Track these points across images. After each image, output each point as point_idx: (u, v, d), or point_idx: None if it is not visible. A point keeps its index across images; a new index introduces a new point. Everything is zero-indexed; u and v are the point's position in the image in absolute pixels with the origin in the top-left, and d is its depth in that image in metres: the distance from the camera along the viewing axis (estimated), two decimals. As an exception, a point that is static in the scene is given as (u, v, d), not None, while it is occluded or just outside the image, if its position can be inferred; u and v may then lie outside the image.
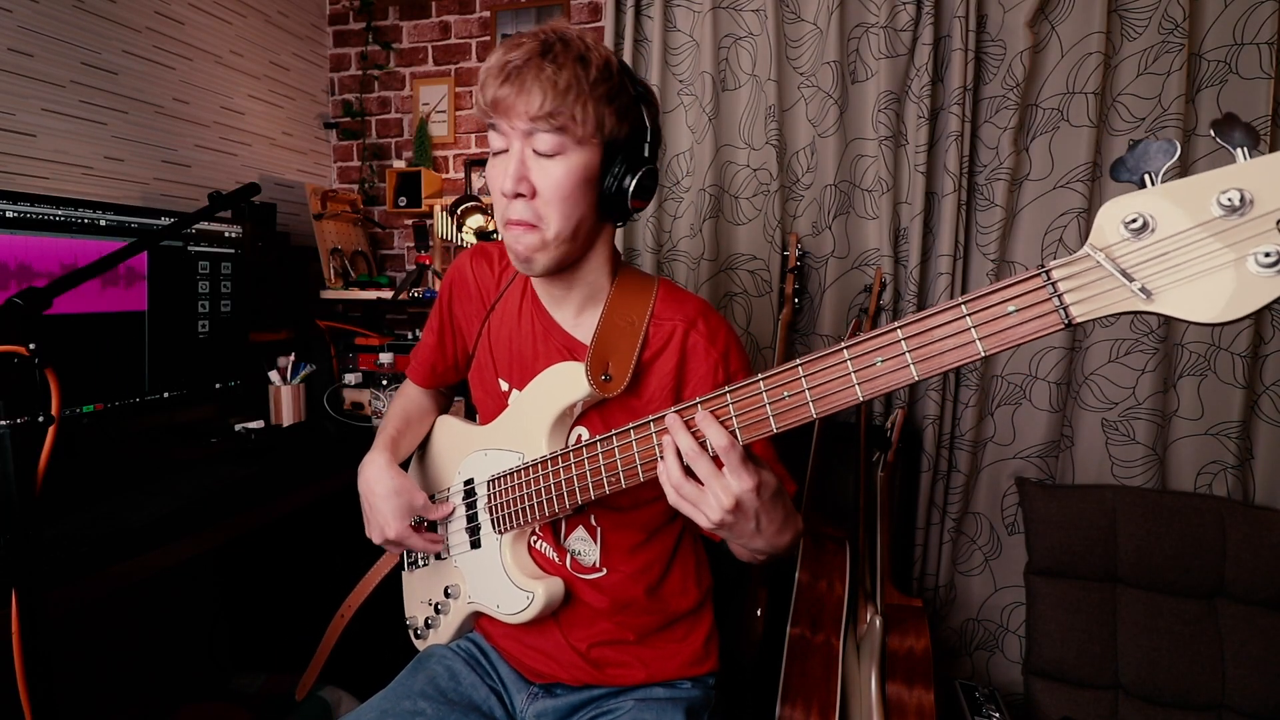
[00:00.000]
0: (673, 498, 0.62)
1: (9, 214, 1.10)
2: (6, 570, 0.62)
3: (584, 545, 0.87)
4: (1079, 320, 0.44)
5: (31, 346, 0.60)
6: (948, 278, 1.55)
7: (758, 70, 1.68)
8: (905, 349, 0.50)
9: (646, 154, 0.77)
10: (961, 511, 1.64)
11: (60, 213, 1.17)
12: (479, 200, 1.80)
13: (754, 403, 0.58)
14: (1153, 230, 0.41)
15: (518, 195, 0.72)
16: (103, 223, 1.24)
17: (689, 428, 0.61)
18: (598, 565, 0.86)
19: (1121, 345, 1.53)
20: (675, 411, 0.62)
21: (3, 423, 0.59)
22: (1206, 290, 0.39)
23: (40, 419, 0.62)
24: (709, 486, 0.59)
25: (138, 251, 0.76)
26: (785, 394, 0.56)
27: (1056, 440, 1.59)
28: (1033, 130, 1.55)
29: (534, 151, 0.71)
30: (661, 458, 0.62)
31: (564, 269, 0.80)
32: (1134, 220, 0.41)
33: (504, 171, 0.72)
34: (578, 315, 0.85)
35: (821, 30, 1.62)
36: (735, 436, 0.59)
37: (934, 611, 1.68)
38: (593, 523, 0.86)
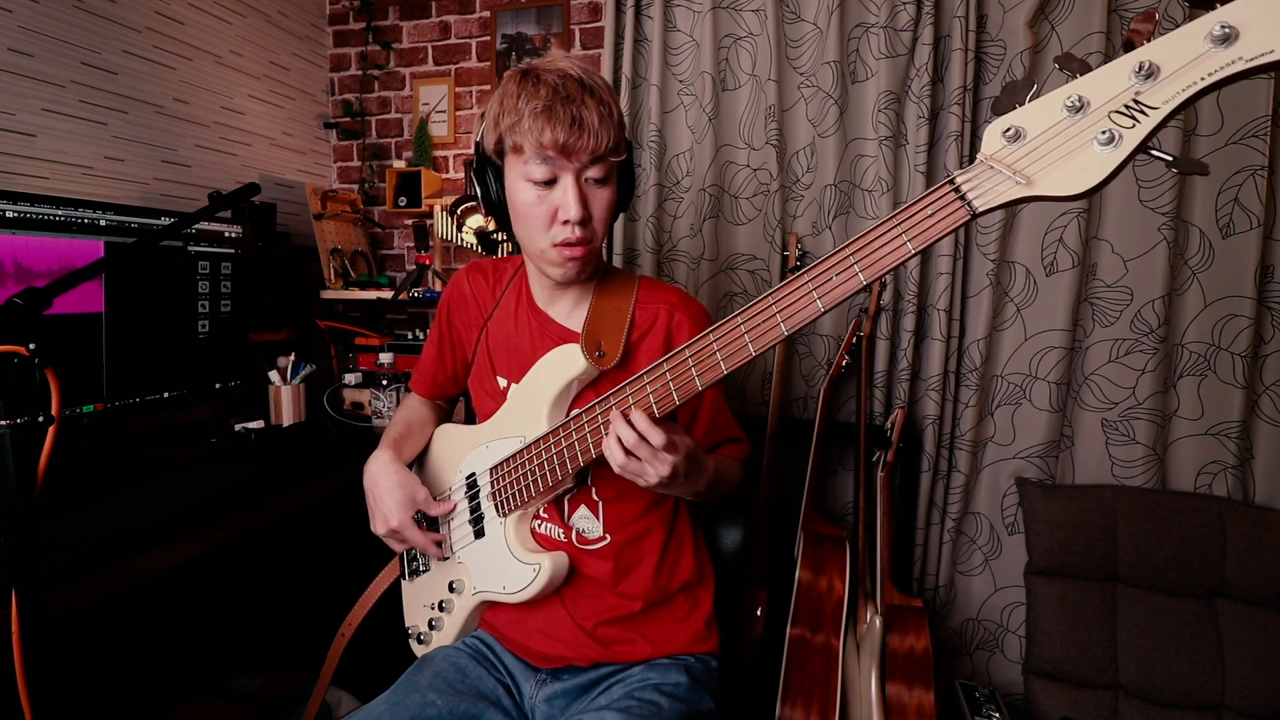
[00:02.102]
0: (617, 470, 0.73)
1: (9, 214, 1.10)
2: (6, 570, 0.62)
3: (587, 523, 0.90)
4: (980, 210, 0.56)
5: (31, 346, 0.60)
6: (948, 278, 1.55)
7: (758, 70, 1.68)
8: (853, 261, 0.62)
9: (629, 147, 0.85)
10: (961, 511, 1.64)
11: (60, 213, 1.17)
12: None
13: (734, 335, 0.68)
14: (1024, 137, 0.54)
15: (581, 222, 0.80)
16: (103, 223, 1.24)
17: (627, 418, 0.72)
18: (602, 535, 0.90)
19: (1121, 345, 1.53)
20: (667, 360, 0.71)
21: (3, 423, 0.59)
22: (1068, 171, 0.52)
23: (40, 419, 0.62)
24: (647, 463, 0.72)
25: (137, 252, 0.76)
26: (760, 321, 0.66)
27: (1056, 440, 1.59)
28: (1033, 130, 1.55)
29: (588, 179, 0.80)
30: (606, 444, 0.73)
31: None
32: (1008, 130, 0.54)
33: (560, 202, 0.79)
34: (571, 310, 0.92)
35: (821, 30, 1.62)
36: (663, 431, 0.70)
37: (934, 611, 1.68)
38: (594, 497, 0.90)
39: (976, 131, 1.57)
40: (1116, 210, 1.51)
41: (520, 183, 0.80)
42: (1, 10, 1.30)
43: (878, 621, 1.39)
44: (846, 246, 0.62)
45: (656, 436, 0.70)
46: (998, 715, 1.37)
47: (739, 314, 0.67)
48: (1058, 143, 0.52)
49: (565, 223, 0.79)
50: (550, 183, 0.79)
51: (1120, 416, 1.55)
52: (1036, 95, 0.53)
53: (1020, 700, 1.58)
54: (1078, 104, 0.51)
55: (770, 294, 0.65)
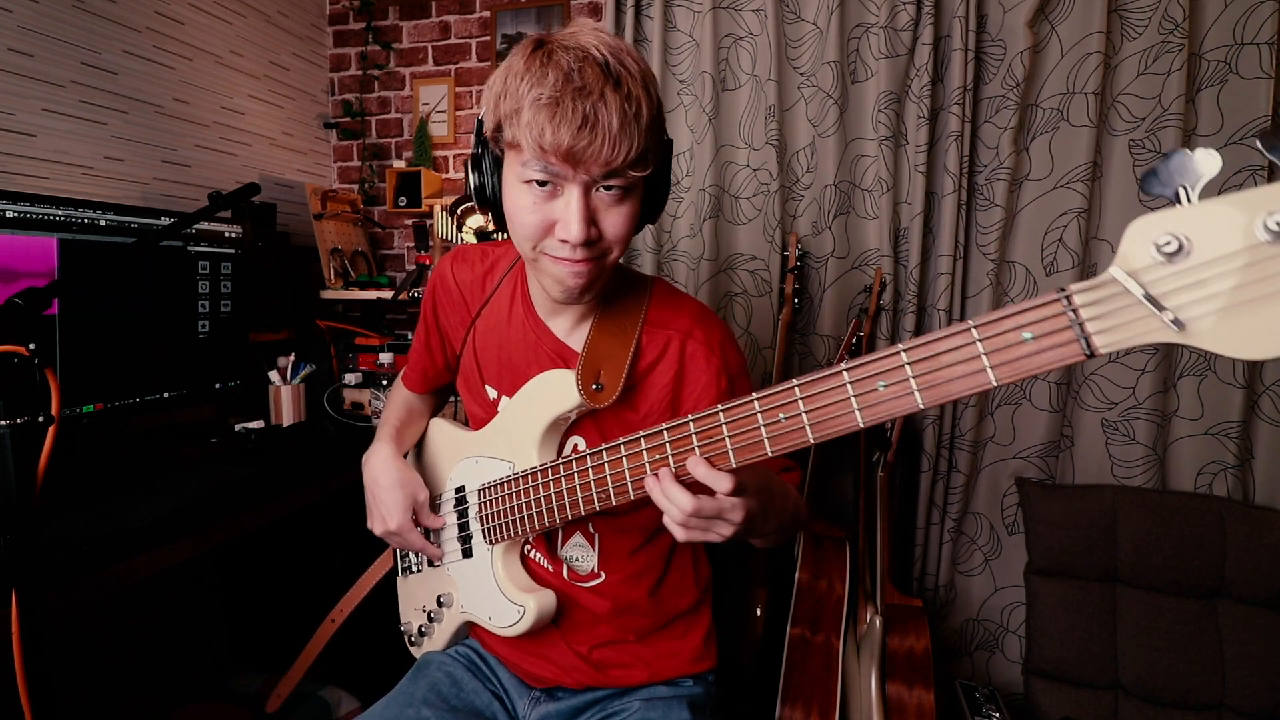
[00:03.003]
0: (682, 537, 0.60)
1: (9, 214, 1.10)
2: (6, 570, 0.62)
3: (581, 552, 0.85)
4: (1102, 352, 0.40)
5: (31, 346, 0.60)
6: (948, 278, 1.55)
7: (758, 70, 1.68)
8: (910, 374, 0.46)
9: (666, 159, 0.73)
10: (961, 511, 1.64)
11: (60, 213, 1.17)
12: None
13: (748, 424, 0.55)
14: (1188, 254, 0.36)
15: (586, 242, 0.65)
16: (103, 223, 1.24)
17: (679, 475, 0.59)
18: (595, 571, 0.85)
19: (1121, 345, 1.53)
20: (669, 429, 0.60)
21: (3, 423, 0.59)
22: (1250, 324, 0.35)
23: (40, 419, 0.62)
24: (714, 524, 0.59)
25: (136, 250, 0.76)
26: (781, 416, 0.53)
27: (1056, 440, 1.59)
28: (1033, 130, 1.55)
29: (601, 190, 0.64)
30: (667, 519, 0.60)
31: None
32: (1168, 242, 0.37)
33: (560, 216, 0.65)
34: (574, 325, 0.81)
35: (821, 30, 1.62)
36: (732, 474, 0.56)
37: (934, 611, 1.68)
38: (590, 529, 0.85)
39: (976, 132, 1.57)
40: (1116, 209, 1.51)
41: (516, 184, 0.66)
42: (1, 10, 1.30)
43: (878, 621, 1.39)
44: (903, 350, 0.46)
45: (723, 483, 0.56)
46: (998, 715, 1.37)
47: (757, 399, 0.54)
48: (1238, 279, 0.35)
49: (563, 241, 0.65)
50: (550, 185, 0.64)
51: (1120, 416, 1.55)
52: (1217, 182, 0.37)
53: (1020, 700, 1.58)
54: None
55: (799, 384, 0.52)
